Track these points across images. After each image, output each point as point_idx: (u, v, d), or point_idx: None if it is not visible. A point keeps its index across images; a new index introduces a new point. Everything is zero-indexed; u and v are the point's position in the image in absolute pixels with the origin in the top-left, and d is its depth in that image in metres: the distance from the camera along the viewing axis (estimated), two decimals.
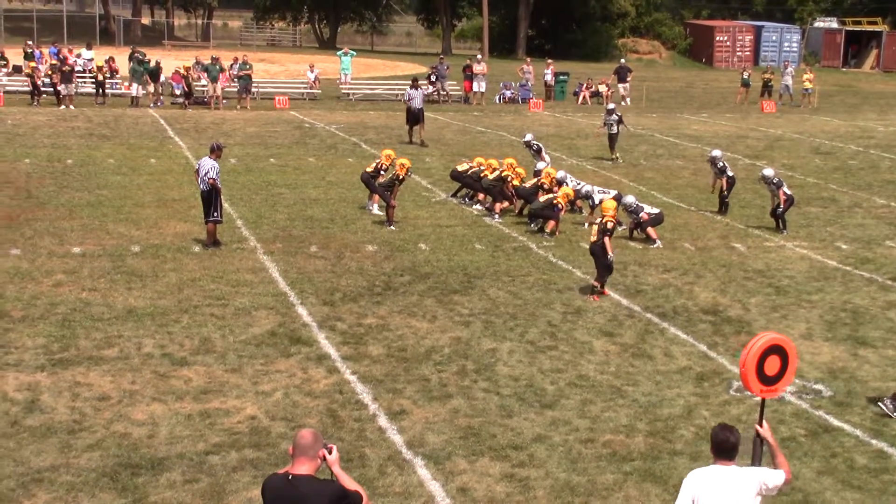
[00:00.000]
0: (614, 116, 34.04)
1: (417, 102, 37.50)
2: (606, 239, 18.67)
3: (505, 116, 47.03)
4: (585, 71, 65.89)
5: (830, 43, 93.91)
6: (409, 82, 40.28)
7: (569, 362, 15.38)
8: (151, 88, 46.00)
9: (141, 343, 15.54)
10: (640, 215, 23.00)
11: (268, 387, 14.04)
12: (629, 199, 23.20)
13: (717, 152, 26.77)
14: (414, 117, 37.33)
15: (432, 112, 46.96)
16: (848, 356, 16.06)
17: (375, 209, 24.65)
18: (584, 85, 55.29)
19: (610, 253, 18.85)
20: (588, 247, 19.35)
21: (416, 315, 17.37)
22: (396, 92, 52.09)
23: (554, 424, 13.13)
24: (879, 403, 13.90)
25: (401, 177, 23.65)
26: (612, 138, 34.18)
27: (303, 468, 7.42)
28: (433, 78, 52.38)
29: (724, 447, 7.93)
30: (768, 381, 8.65)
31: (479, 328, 16.79)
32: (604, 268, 18.73)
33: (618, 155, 34.34)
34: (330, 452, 7.51)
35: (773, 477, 7.98)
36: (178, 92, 47.13)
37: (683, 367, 15.41)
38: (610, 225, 18.87)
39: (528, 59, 60.13)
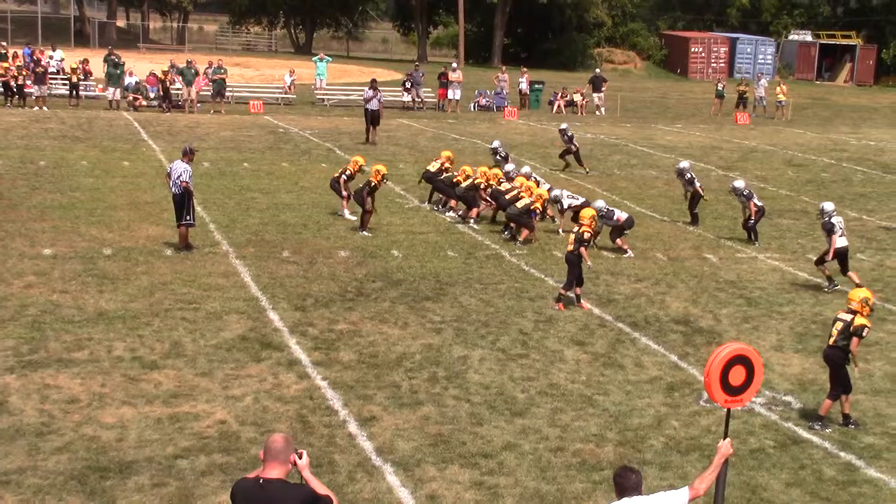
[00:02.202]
0: (565, 137, 33.92)
1: (374, 104, 38.93)
2: (582, 249, 18.70)
3: (479, 124, 47.04)
4: (560, 80, 66.02)
5: (805, 56, 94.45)
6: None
7: (540, 371, 15.40)
8: (131, 97, 45.91)
9: (111, 346, 15.47)
10: (614, 219, 23.01)
11: (238, 391, 14.01)
12: (599, 203, 23.16)
13: (684, 164, 26.76)
14: (370, 118, 38.85)
15: (407, 119, 47.13)
16: (818, 368, 16.10)
17: (347, 214, 24.63)
18: (559, 94, 55.39)
19: (588, 262, 18.88)
20: (563, 255, 19.35)
21: (388, 321, 17.36)
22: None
23: (524, 433, 13.14)
24: (813, 426, 13.91)
25: (373, 183, 23.55)
26: (576, 154, 33.93)
27: (274, 472, 7.41)
28: (408, 85, 52.43)
29: (626, 485, 8.07)
30: (733, 391, 8.67)
31: (451, 335, 16.80)
32: (575, 278, 18.73)
33: (587, 168, 34.23)
34: (300, 457, 7.50)
35: (675, 498, 8.07)
36: (152, 95, 46.98)
37: (654, 376, 15.45)
38: (587, 236, 18.88)
39: (504, 68, 60.19)
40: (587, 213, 19.47)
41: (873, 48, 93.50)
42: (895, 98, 78.22)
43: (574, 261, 18.67)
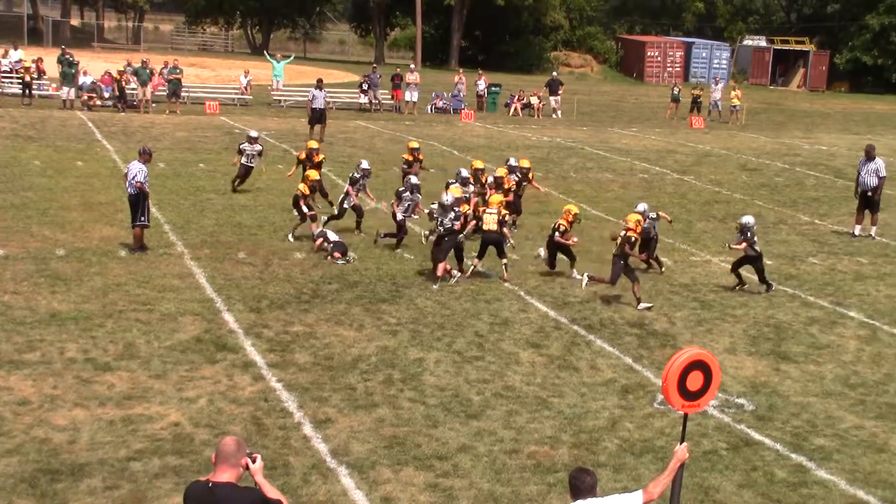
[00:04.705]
0: (247, 140, 29.61)
1: (319, 102, 40.26)
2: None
3: (436, 126, 47.06)
4: (517, 83, 66.14)
5: (759, 61, 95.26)
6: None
7: (495, 373, 15.42)
8: (85, 97, 45.55)
9: (64, 347, 15.34)
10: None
11: (192, 393, 13.93)
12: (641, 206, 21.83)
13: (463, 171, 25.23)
14: (316, 117, 39.87)
15: (364, 120, 47.11)
16: (770, 371, 16.25)
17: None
18: (516, 97, 55.52)
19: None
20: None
21: (344, 323, 17.33)
22: (329, 99, 51.82)
23: (479, 435, 13.14)
24: None
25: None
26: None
27: (224, 476, 7.35)
28: (365, 86, 52.41)
29: (581, 487, 8.09)
30: (690, 396, 8.70)
31: (407, 337, 16.78)
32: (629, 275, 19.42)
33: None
34: (253, 461, 7.44)
35: (629, 501, 8.10)
36: (107, 95, 46.65)
37: (609, 379, 15.50)
38: (633, 238, 19.46)
39: (461, 70, 60.24)
40: (633, 217, 19.85)
41: (826, 54, 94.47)
42: (847, 104, 79.05)
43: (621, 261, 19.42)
